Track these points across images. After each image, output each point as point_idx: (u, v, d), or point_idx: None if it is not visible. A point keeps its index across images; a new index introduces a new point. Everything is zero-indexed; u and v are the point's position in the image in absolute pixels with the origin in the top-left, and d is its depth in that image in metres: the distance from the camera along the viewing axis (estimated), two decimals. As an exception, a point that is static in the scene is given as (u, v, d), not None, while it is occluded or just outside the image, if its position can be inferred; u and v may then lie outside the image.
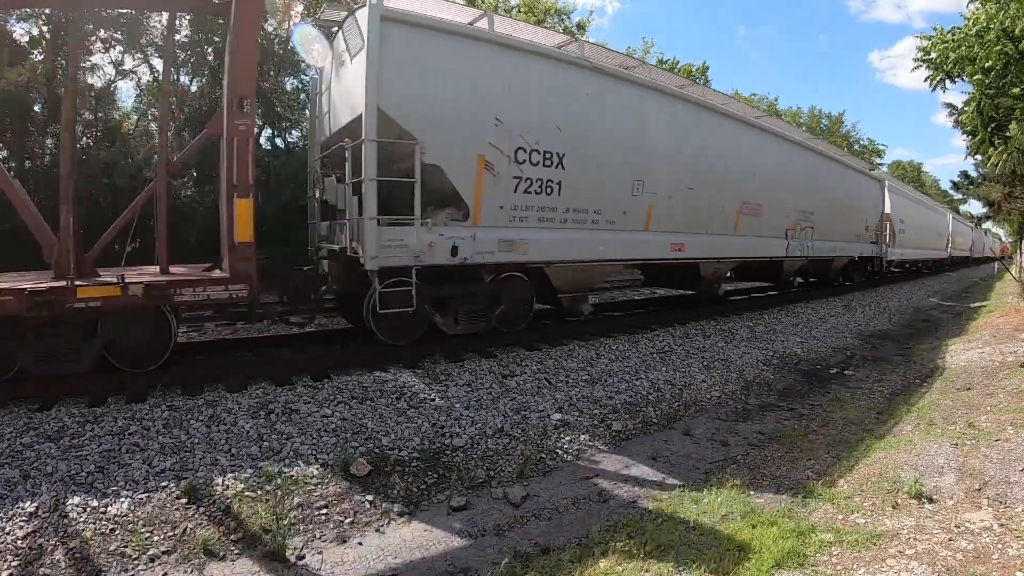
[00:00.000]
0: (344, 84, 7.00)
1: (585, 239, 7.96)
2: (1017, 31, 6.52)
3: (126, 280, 5.04)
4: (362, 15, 6.12)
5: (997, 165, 8.21)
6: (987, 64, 7.01)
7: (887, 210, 18.79)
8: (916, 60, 7.80)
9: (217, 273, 5.84)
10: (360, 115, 6.07)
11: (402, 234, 6.26)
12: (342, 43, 6.88)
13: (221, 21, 7.06)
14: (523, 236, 7.23)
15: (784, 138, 12.85)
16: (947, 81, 7.65)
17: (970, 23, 7.13)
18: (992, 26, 6.78)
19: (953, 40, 7.30)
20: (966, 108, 8.17)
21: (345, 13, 6.82)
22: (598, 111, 7.96)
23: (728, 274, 12.36)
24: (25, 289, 4.72)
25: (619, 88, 8.31)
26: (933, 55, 7.53)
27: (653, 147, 8.83)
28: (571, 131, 7.56)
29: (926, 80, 7.77)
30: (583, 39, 9.09)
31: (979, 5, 7.23)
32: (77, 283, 4.97)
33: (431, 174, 6.34)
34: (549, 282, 7.77)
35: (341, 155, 6.43)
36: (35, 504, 3.58)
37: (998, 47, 6.81)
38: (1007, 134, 7.67)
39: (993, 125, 7.84)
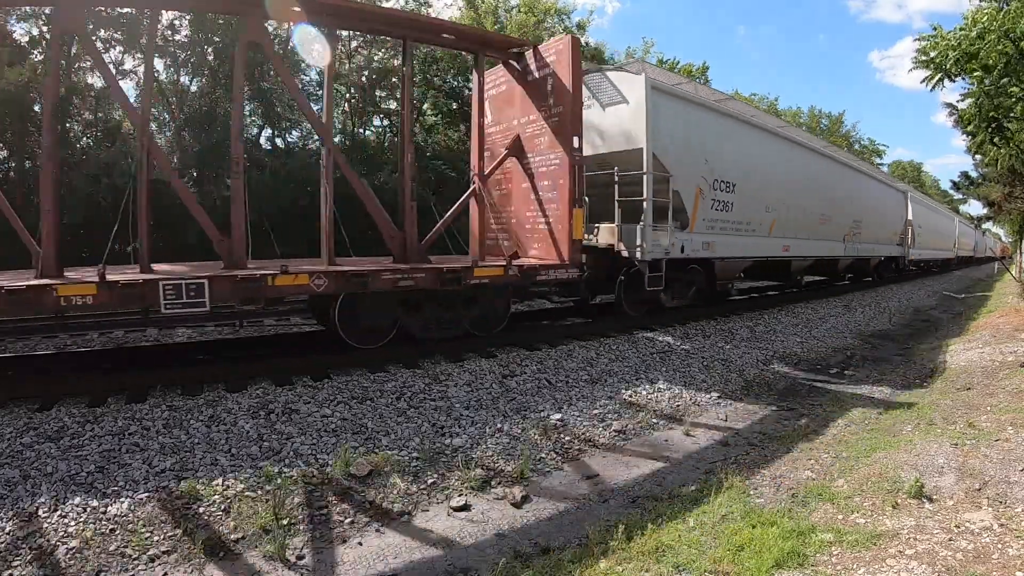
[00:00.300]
0: (594, 124, 9.35)
1: (740, 242, 10.99)
2: (1018, 31, 6.51)
3: (511, 262, 7.04)
4: (632, 81, 8.83)
5: (997, 163, 8.21)
6: (988, 62, 7.00)
7: (909, 217, 21.87)
8: (914, 61, 7.80)
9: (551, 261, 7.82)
10: (621, 151, 8.88)
11: (660, 237, 8.82)
12: (586, 90, 9.02)
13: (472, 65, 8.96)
14: (713, 240, 10.23)
15: (847, 165, 16.69)
16: (946, 80, 7.63)
17: (971, 23, 7.12)
18: (993, 27, 6.77)
19: (953, 39, 7.29)
20: (965, 104, 8.16)
21: (587, 68, 9.42)
22: (757, 154, 11.37)
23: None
24: (443, 268, 6.53)
25: (771, 139, 12.16)
26: (933, 54, 7.52)
27: (782, 179, 12.17)
28: (741, 167, 10.67)
29: (924, 81, 7.75)
30: (733, 95, 14.28)
31: (981, 4, 7.22)
32: (479, 263, 7.00)
33: (675, 197, 9.08)
34: (714, 272, 10.69)
35: (607, 179, 8.84)
36: (35, 504, 3.58)
37: (999, 47, 6.81)
38: (1007, 134, 7.67)
39: (994, 124, 7.84)
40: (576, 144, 7.44)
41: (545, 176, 7.87)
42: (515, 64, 8.18)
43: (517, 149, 8.22)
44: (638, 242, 8.51)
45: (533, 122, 8.03)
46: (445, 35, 7.63)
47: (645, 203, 8.52)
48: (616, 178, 8.65)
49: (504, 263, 7.00)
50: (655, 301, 9.79)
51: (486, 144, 8.32)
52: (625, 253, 8.64)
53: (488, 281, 6.88)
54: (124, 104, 6.91)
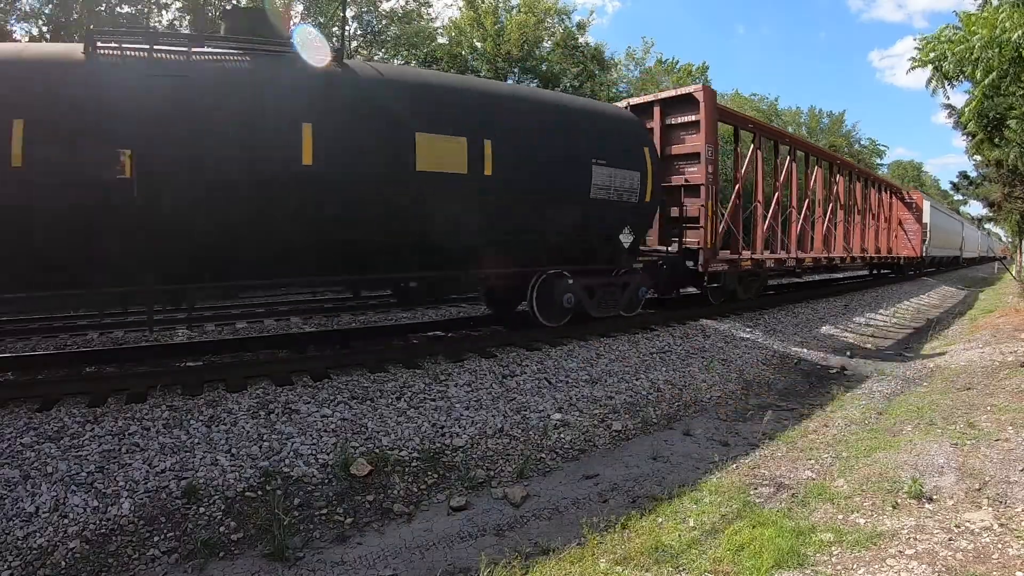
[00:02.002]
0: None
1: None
2: (1015, 38, 6.51)
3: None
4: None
5: (999, 164, 8.24)
6: (989, 64, 7.01)
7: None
8: (912, 60, 7.81)
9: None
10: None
11: None
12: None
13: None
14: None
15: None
16: (946, 84, 7.66)
17: (967, 31, 7.14)
18: (991, 36, 6.78)
19: (951, 42, 7.30)
20: (966, 108, 8.16)
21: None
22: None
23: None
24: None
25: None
26: (932, 56, 7.53)
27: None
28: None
29: (927, 83, 7.77)
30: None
31: (979, 8, 7.24)
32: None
33: None
34: None
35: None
36: (35, 504, 3.58)
37: (1002, 53, 6.81)
38: (1007, 134, 7.68)
39: (994, 125, 7.86)
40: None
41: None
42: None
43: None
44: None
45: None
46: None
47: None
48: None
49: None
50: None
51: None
52: None
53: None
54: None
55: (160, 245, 5.23)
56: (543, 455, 5.06)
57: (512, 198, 7.05)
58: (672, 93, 10.70)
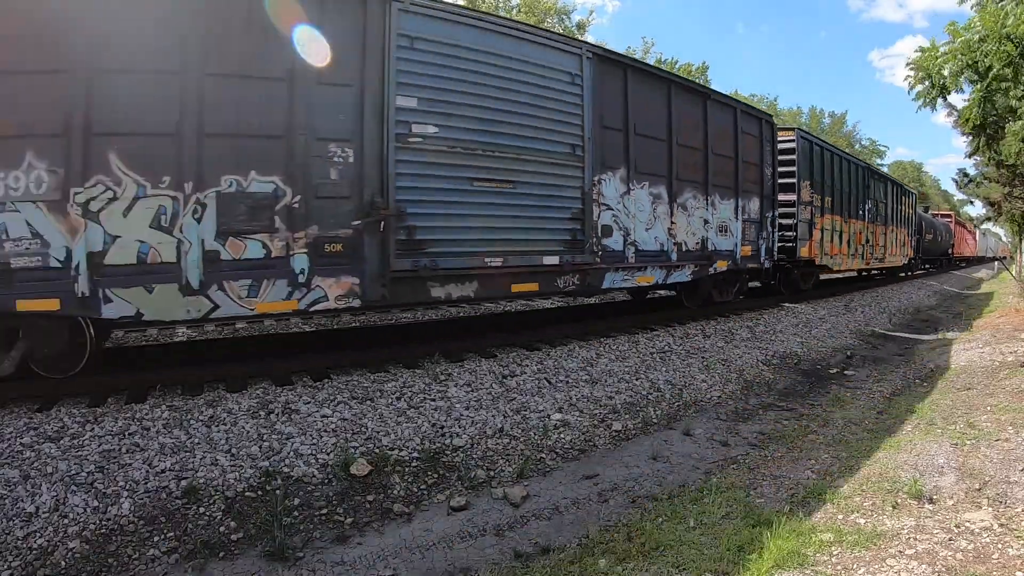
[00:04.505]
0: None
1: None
2: (1018, 33, 6.53)
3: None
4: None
5: (1000, 163, 8.27)
6: (988, 66, 7.02)
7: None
8: (909, 70, 7.84)
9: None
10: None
11: None
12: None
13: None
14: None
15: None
16: (941, 97, 7.70)
17: (970, 28, 7.15)
18: (993, 31, 6.79)
19: (948, 53, 7.33)
20: (966, 110, 8.17)
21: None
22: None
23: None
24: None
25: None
26: (928, 65, 7.57)
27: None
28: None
29: (919, 97, 7.82)
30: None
31: (981, 4, 7.25)
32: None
33: None
34: None
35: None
36: (35, 504, 3.58)
37: (999, 47, 6.82)
38: (1006, 134, 7.69)
39: (994, 126, 7.87)
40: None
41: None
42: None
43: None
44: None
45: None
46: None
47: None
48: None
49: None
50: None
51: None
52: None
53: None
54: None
55: None
56: (543, 455, 5.06)
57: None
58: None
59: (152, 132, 4.70)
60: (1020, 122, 7.43)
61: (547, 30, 7.93)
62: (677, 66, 34.67)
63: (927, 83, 7.71)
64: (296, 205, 5.24)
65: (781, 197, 12.04)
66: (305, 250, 5.31)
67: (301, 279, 5.32)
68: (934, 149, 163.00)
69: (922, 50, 7.75)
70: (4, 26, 4.26)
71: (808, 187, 13.11)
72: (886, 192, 19.45)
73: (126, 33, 4.59)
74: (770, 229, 11.46)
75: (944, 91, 7.67)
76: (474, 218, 6.40)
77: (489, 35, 6.49)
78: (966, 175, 23.77)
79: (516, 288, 6.89)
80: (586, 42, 7.98)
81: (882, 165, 48.48)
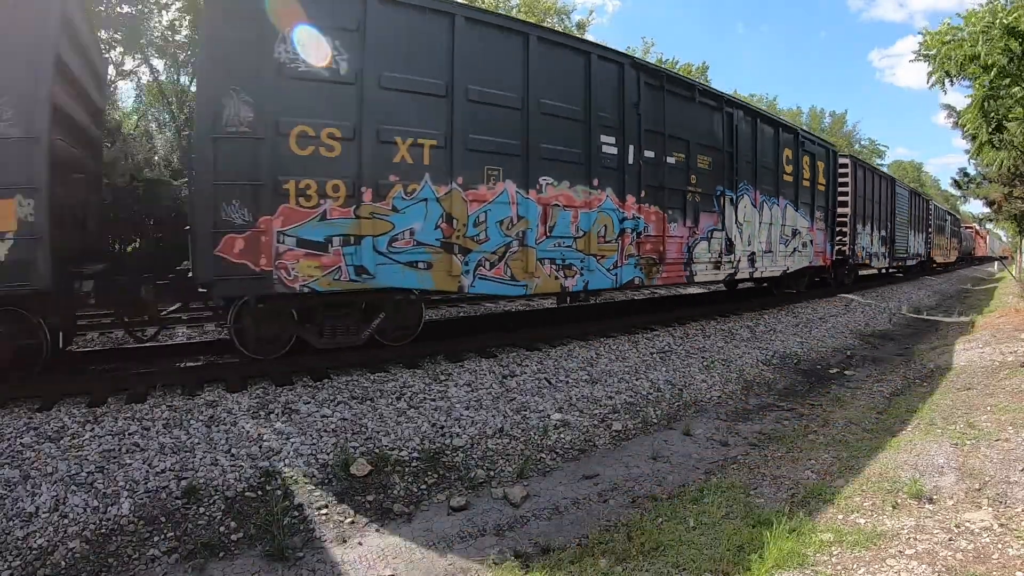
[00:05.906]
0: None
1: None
2: (1022, 26, 6.52)
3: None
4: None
5: (996, 165, 8.26)
6: (990, 61, 7.01)
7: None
8: (916, 54, 7.80)
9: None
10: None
11: None
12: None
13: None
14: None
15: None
16: (948, 81, 7.66)
17: (974, 20, 7.13)
18: (996, 22, 6.78)
19: (955, 40, 7.30)
20: (967, 111, 8.17)
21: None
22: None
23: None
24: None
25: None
26: (934, 52, 7.53)
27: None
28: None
29: (928, 77, 7.77)
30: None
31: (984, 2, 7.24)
32: None
33: None
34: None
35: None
36: (35, 504, 3.59)
37: (1002, 43, 6.81)
38: (1006, 135, 7.68)
39: (994, 126, 7.86)
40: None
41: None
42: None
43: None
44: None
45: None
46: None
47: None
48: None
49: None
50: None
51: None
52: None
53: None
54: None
55: None
56: (543, 455, 5.06)
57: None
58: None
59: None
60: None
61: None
62: (677, 66, 34.65)
63: (934, 65, 7.69)
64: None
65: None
66: None
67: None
68: (934, 149, 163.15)
69: (928, 34, 7.74)
70: None
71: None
72: (943, 216, 29.14)
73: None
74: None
75: (949, 76, 7.65)
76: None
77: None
78: (966, 175, 23.78)
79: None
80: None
81: (882, 165, 48.47)
